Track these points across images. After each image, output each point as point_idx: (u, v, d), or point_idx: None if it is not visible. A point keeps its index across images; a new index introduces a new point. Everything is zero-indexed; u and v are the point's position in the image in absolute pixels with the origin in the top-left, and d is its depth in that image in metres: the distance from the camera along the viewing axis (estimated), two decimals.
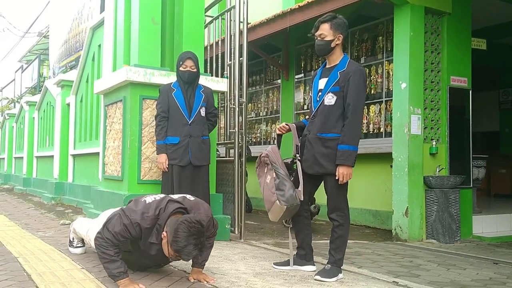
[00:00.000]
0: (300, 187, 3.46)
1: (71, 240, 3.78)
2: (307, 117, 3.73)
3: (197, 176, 4.40)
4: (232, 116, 5.36)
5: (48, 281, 2.89)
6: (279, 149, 3.62)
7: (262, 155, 3.57)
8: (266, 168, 3.54)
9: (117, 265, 2.75)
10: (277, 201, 3.37)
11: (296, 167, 3.53)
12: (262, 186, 3.55)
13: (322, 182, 3.53)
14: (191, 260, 3.06)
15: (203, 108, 4.44)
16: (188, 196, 3.05)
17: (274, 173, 3.45)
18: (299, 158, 3.52)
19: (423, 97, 6.13)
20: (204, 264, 3.11)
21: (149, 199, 2.91)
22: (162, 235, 2.75)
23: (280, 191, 3.38)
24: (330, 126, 3.39)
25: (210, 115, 4.54)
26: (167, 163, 4.34)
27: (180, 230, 2.61)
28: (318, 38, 3.45)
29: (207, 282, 3.00)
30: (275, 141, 3.83)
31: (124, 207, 3.04)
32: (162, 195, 2.98)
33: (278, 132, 3.68)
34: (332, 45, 3.43)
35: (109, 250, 2.74)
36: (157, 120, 4.39)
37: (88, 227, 3.55)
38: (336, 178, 3.33)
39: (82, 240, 3.80)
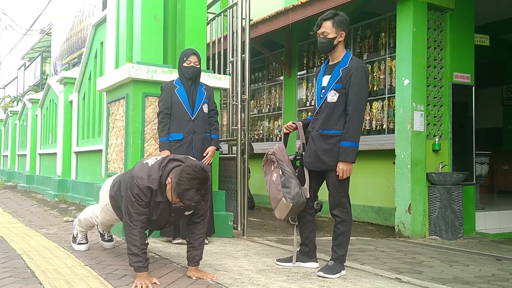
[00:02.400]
0: (306, 185, 3.47)
1: (75, 236, 3.80)
2: (310, 114, 3.73)
3: None
4: (234, 113, 5.35)
5: (52, 278, 2.90)
6: (286, 147, 3.63)
7: (268, 153, 3.58)
8: (272, 166, 3.55)
9: (139, 259, 2.84)
10: (283, 198, 3.38)
11: (302, 163, 3.54)
12: (268, 184, 3.56)
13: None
14: (189, 259, 3.08)
15: (206, 104, 4.44)
16: (191, 157, 3.12)
17: (280, 171, 3.46)
18: (305, 154, 3.53)
19: (426, 93, 6.12)
20: (199, 262, 3.12)
21: (150, 161, 2.98)
22: (167, 181, 2.82)
23: (286, 189, 3.39)
24: (332, 123, 3.39)
25: (212, 112, 4.54)
26: None
27: (184, 173, 2.70)
28: (321, 36, 3.45)
29: (210, 279, 3.01)
30: (281, 139, 3.84)
31: (124, 174, 3.13)
32: (164, 155, 3.06)
33: (285, 131, 3.69)
34: (335, 42, 3.43)
35: (136, 237, 2.83)
36: (160, 117, 4.39)
37: (93, 208, 3.62)
38: (336, 173, 3.34)
39: (86, 236, 3.81)
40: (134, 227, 2.85)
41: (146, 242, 2.90)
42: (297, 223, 3.68)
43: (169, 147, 4.34)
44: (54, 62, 20.18)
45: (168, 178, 2.82)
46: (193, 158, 3.11)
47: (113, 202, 3.23)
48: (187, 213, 3.02)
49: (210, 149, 4.46)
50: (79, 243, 3.77)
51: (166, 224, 3.20)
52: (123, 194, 3.04)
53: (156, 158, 3.01)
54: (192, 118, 4.35)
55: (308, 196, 3.48)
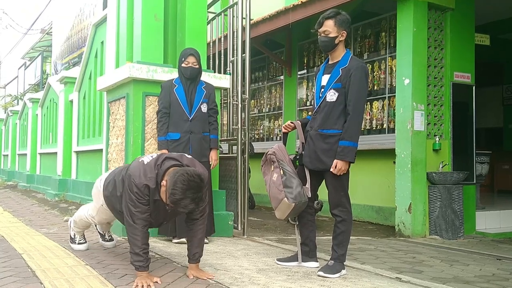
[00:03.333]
0: (308, 184, 3.47)
1: (72, 236, 3.80)
2: (310, 113, 3.73)
3: None
4: (235, 112, 5.35)
5: (52, 277, 2.90)
6: (285, 146, 3.63)
7: (268, 153, 3.58)
8: (272, 166, 3.54)
9: (140, 259, 2.84)
10: (285, 198, 3.37)
11: (302, 162, 3.54)
12: (268, 184, 3.55)
13: None
14: (189, 256, 3.08)
15: (204, 104, 4.43)
16: (186, 154, 3.12)
17: (281, 171, 3.45)
18: (304, 153, 3.52)
19: (426, 93, 6.12)
20: (199, 259, 3.12)
21: (146, 159, 2.97)
22: (162, 184, 2.81)
23: (288, 188, 3.39)
24: (331, 122, 3.39)
25: (211, 111, 4.53)
26: None
27: (179, 182, 2.66)
28: (322, 35, 3.45)
29: (207, 278, 3.01)
30: (280, 137, 3.84)
31: (119, 172, 3.11)
32: (159, 153, 3.02)
33: (284, 130, 3.69)
34: (336, 41, 3.42)
35: (138, 236, 2.83)
36: (159, 116, 4.39)
37: (87, 207, 3.60)
38: (331, 169, 3.34)
39: (84, 236, 3.81)
40: (136, 226, 2.84)
41: (147, 242, 2.90)
42: (297, 223, 3.68)
43: (167, 147, 4.34)
44: (54, 62, 20.19)
45: (163, 181, 2.80)
46: (188, 156, 3.10)
47: (107, 201, 3.21)
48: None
49: (213, 154, 4.48)
50: (79, 243, 3.77)
51: (164, 220, 3.20)
52: (118, 194, 3.03)
53: (151, 156, 3.00)
54: (190, 118, 4.35)
55: (309, 196, 3.48)
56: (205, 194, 2.84)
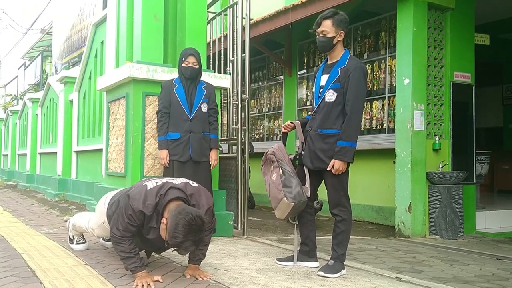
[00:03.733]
0: (307, 184, 3.47)
1: (71, 238, 3.79)
2: (309, 113, 3.73)
3: (198, 172, 4.40)
4: (234, 112, 5.35)
5: (52, 277, 2.90)
6: (285, 146, 3.63)
7: (268, 152, 3.58)
8: (272, 166, 3.54)
9: (133, 261, 2.84)
10: (285, 198, 3.37)
11: (302, 162, 3.54)
12: (267, 184, 3.55)
13: None
14: (187, 255, 3.08)
15: (204, 104, 4.44)
16: (191, 182, 3.04)
17: (280, 170, 3.46)
18: (304, 153, 3.52)
19: (426, 93, 6.12)
20: (200, 262, 3.12)
21: (150, 184, 2.91)
22: (162, 221, 2.78)
23: (288, 188, 3.39)
24: (330, 122, 3.40)
25: (211, 111, 4.54)
26: (168, 158, 4.35)
27: (180, 225, 2.62)
28: (320, 35, 3.45)
29: (202, 278, 3.00)
30: (280, 137, 3.84)
31: (124, 193, 3.05)
32: (164, 180, 2.96)
33: (283, 130, 3.69)
34: (334, 41, 3.42)
35: (124, 245, 2.83)
36: (159, 116, 4.40)
37: (89, 218, 3.57)
38: (328, 169, 3.34)
39: (83, 236, 3.81)
40: (120, 238, 2.84)
41: (136, 247, 2.88)
42: (297, 223, 3.68)
43: (167, 146, 4.34)
44: (55, 62, 20.19)
45: (163, 219, 2.76)
46: (193, 184, 3.01)
47: (109, 221, 3.16)
48: None
49: (213, 154, 4.48)
50: (78, 243, 3.77)
51: (160, 250, 3.19)
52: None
53: (156, 182, 2.93)
54: (190, 118, 4.35)
55: (309, 195, 3.48)
56: (206, 234, 2.85)
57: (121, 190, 3.29)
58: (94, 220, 3.48)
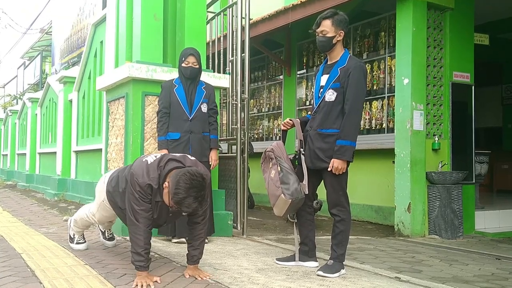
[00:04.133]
0: (305, 181, 3.47)
1: (72, 236, 3.79)
2: (309, 112, 3.74)
3: None
4: (234, 112, 5.35)
5: (52, 277, 2.90)
6: (284, 144, 3.63)
7: (267, 150, 3.58)
8: (270, 163, 3.55)
9: (141, 259, 2.85)
10: (282, 194, 3.38)
11: (301, 161, 3.54)
12: (267, 181, 3.56)
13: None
14: (188, 258, 3.09)
15: (204, 104, 4.44)
16: (189, 156, 3.11)
17: (278, 167, 3.46)
18: (303, 152, 3.53)
19: (425, 92, 6.12)
20: (198, 261, 3.12)
21: (150, 158, 2.98)
22: (164, 185, 2.82)
23: (285, 185, 3.39)
24: (330, 122, 3.40)
25: (211, 111, 4.54)
26: None
27: (182, 181, 2.67)
28: (320, 35, 3.46)
29: (201, 278, 3.01)
30: (280, 137, 3.84)
31: (123, 170, 3.12)
32: (163, 154, 3.04)
33: (282, 128, 3.69)
34: (334, 41, 3.43)
35: (140, 237, 2.83)
36: (159, 116, 4.40)
37: (89, 207, 3.61)
38: (329, 169, 3.34)
39: (83, 236, 3.81)
40: (139, 225, 2.84)
41: (150, 242, 2.90)
42: (296, 220, 3.68)
43: (167, 146, 4.34)
44: (53, 61, 20.19)
45: (166, 182, 2.81)
46: (191, 157, 3.10)
47: (109, 197, 3.22)
48: (184, 213, 3.02)
49: (213, 154, 4.48)
50: (78, 243, 3.77)
51: (164, 223, 3.21)
52: (121, 190, 3.05)
53: (155, 156, 3.00)
54: (190, 118, 4.35)
55: (307, 192, 3.48)
56: (207, 194, 2.85)
57: (118, 168, 3.35)
58: (94, 203, 3.51)
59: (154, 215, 2.95)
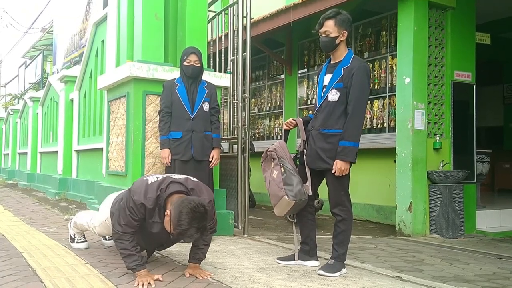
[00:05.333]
0: (308, 182, 3.47)
1: (72, 236, 3.80)
2: (310, 112, 3.73)
3: (200, 171, 4.40)
4: (235, 111, 5.35)
5: (53, 276, 2.90)
6: (286, 144, 3.63)
7: (269, 150, 3.58)
8: (272, 163, 3.54)
9: (134, 259, 2.84)
10: (285, 196, 3.37)
11: (303, 161, 3.54)
12: (267, 181, 3.55)
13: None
14: (191, 256, 3.09)
15: (206, 103, 4.44)
16: (191, 178, 3.09)
17: (281, 168, 3.45)
18: (306, 152, 3.52)
19: (426, 92, 6.11)
20: (200, 261, 3.13)
21: (151, 179, 2.96)
22: (166, 213, 2.81)
23: (289, 186, 3.39)
24: (332, 122, 3.39)
25: (213, 111, 4.54)
26: (170, 158, 4.35)
27: (184, 213, 2.67)
28: (323, 35, 3.45)
29: (202, 277, 3.01)
30: (282, 136, 3.84)
31: (126, 190, 3.09)
32: (165, 175, 3.02)
33: (285, 127, 3.69)
34: (337, 41, 3.42)
35: (125, 242, 2.84)
36: (161, 116, 4.40)
37: (91, 216, 3.60)
38: (333, 171, 3.34)
39: (84, 235, 3.81)
40: (122, 234, 2.84)
41: (137, 245, 2.90)
42: (295, 220, 3.68)
43: (169, 146, 4.35)
44: (55, 60, 20.19)
45: (167, 211, 2.80)
46: (193, 179, 3.06)
47: (112, 218, 3.20)
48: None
49: (215, 153, 4.48)
50: (79, 242, 3.78)
51: (163, 246, 3.21)
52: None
53: (157, 177, 2.98)
54: (192, 117, 4.35)
55: (310, 194, 3.48)
56: (209, 223, 2.86)
57: (124, 191, 3.31)
58: (97, 217, 3.50)
59: (151, 230, 2.92)
